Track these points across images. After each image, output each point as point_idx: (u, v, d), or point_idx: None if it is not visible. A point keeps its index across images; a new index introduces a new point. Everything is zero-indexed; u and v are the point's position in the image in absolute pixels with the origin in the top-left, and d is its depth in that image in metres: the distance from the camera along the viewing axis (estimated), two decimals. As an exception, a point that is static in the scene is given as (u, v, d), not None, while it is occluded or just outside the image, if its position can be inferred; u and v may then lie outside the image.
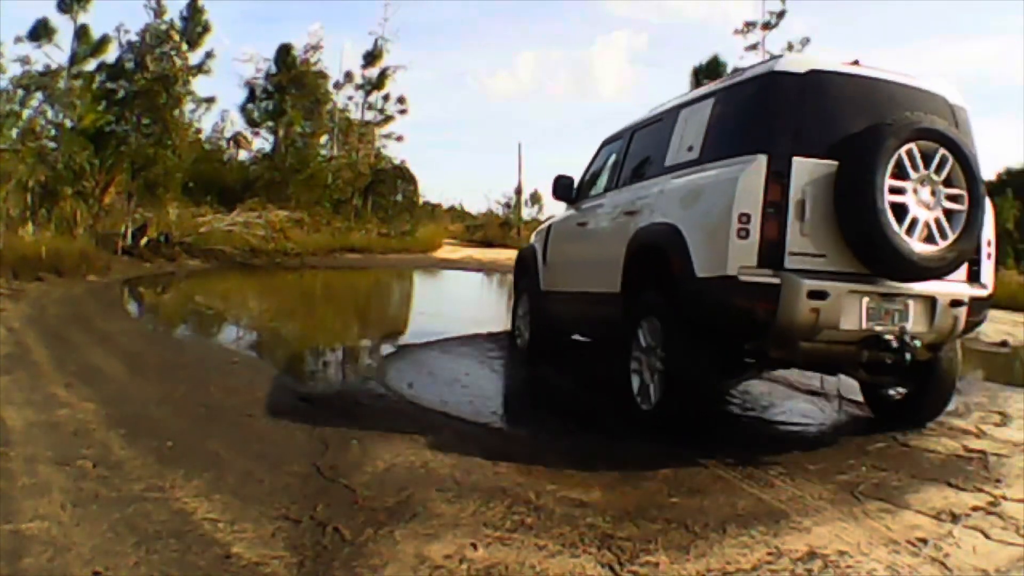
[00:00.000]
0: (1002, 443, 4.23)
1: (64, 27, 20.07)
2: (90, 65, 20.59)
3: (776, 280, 3.38)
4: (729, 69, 19.16)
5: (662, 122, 4.59)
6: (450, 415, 4.16)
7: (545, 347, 5.82)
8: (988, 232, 3.82)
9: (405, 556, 2.37)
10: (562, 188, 5.69)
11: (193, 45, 22.11)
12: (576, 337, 5.83)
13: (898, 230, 3.38)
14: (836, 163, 3.44)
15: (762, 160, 3.41)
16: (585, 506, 2.91)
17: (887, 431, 4.26)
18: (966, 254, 3.60)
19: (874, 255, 3.42)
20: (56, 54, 19.89)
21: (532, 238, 6.58)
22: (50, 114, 18.11)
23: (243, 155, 23.82)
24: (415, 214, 24.05)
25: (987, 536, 2.84)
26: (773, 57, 3.96)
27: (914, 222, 3.44)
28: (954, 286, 3.67)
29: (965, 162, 3.49)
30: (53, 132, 17.42)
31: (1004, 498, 3.27)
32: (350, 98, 25.27)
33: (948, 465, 3.75)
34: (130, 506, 2.61)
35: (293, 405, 4.18)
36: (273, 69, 22.96)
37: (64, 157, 14.24)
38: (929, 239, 3.47)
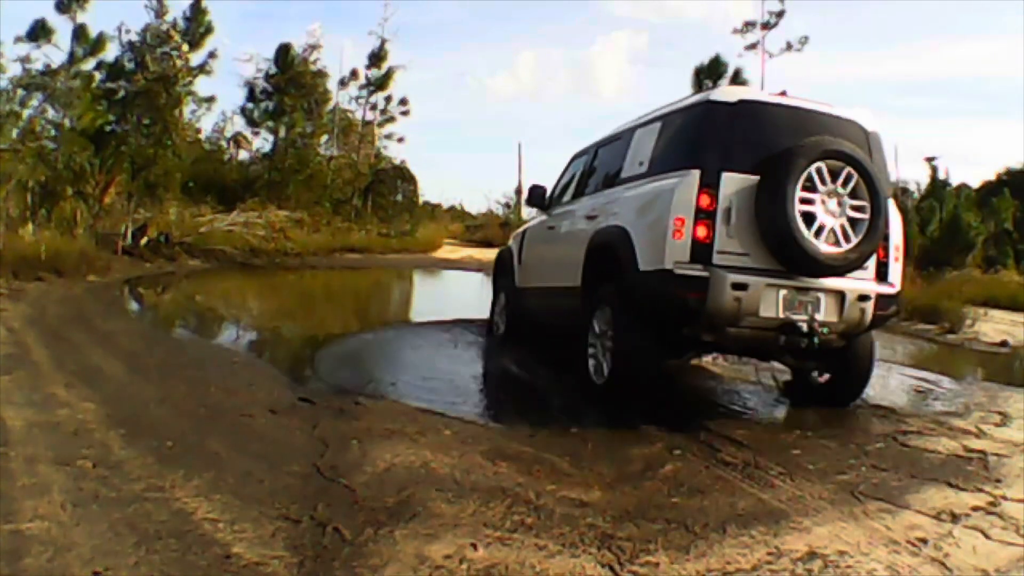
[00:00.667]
0: (1002, 443, 4.24)
1: (63, 27, 20.10)
2: (89, 65, 20.59)
3: (705, 273, 3.99)
4: (730, 69, 19.19)
5: (621, 140, 5.27)
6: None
7: (518, 336, 6.60)
8: (896, 238, 4.42)
9: (405, 556, 2.37)
10: (536, 197, 6.41)
11: (195, 46, 22.10)
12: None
13: (807, 234, 3.99)
14: (758, 177, 4.05)
15: (696, 174, 4.06)
16: (585, 506, 2.91)
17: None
18: (867, 255, 4.17)
19: (787, 255, 4.03)
20: (55, 54, 19.91)
21: (510, 241, 7.16)
22: (50, 114, 18.11)
23: (243, 155, 23.83)
24: (415, 214, 24.03)
25: (987, 536, 2.84)
26: (710, 88, 4.54)
27: (821, 227, 4.06)
28: (862, 283, 4.24)
29: (868, 178, 4.09)
30: (53, 132, 17.42)
31: (1004, 498, 3.27)
32: (357, 99, 25.25)
33: (948, 465, 3.75)
34: (130, 506, 2.61)
35: (293, 405, 4.18)
36: (273, 69, 22.95)
37: (64, 157, 14.22)
38: (834, 242, 4.08)
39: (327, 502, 2.77)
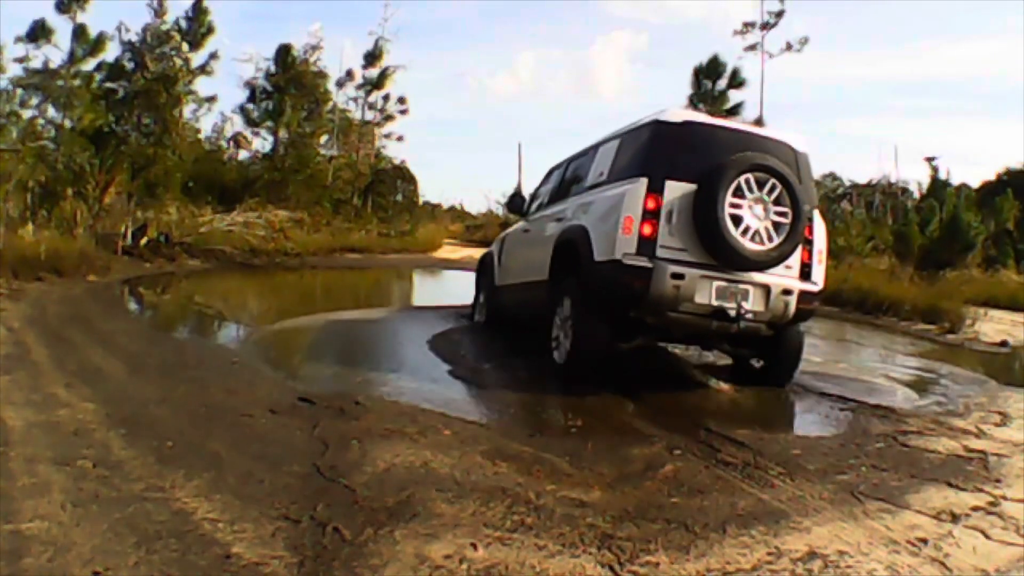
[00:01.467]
0: (1002, 443, 4.24)
1: (63, 28, 20.08)
2: (89, 65, 20.57)
3: (649, 264, 4.64)
4: (729, 69, 19.17)
5: (587, 155, 6.03)
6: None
7: (494, 324, 7.45)
8: (820, 244, 5.03)
9: (405, 556, 2.37)
10: (515, 204, 7.34)
11: (196, 46, 22.09)
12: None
13: (735, 233, 4.63)
14: (695, 186, 4.70)
15: (644, 181, 4.74)
16: (585, 506, 2.91)
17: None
18: (788, 254, 4.79)
19: (717, 250, 4.66)
20: (55, 54, 19.89)
21: (492, 245, 8.01)
22: (51, 114, 18.11)
23: (243, 155, 23.82)
24: (415, 214, 24.03)
25: (987, 536, 2.84)
26: (660, 111, 5.17)
27: (747, 229, 4.68)
28: (787, 280, 4.86)
29: (790, 188, 4.71)
30: (53, 132, 17.41)
31: (1004, 498, 3.27)
32: (354, 99, 25.25)
33: (948, 465, 3.75)
34: (130, 506, 2.61)
35: (293, 405, 4.18)
36: (273, 69, 22.94)
37: (64, 157, 14.22)
38: (759, 241, 4.69)
39: (327, 502, 2.77)
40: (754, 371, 5.42)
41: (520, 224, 7.08)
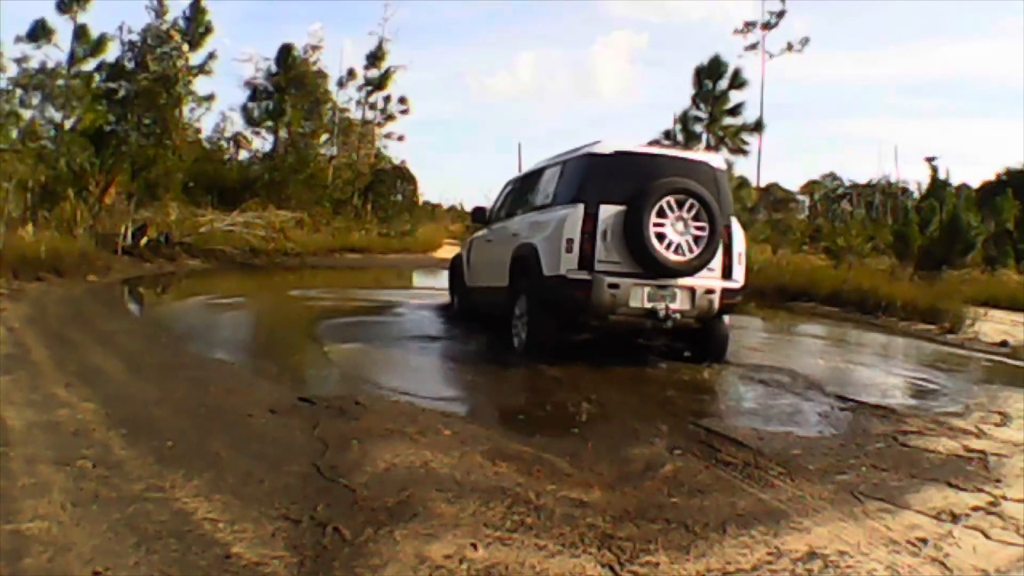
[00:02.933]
0: (1002, 443, 4.24)
1: (63, 28, 20.08)
2: (89, 65, 20.57)
3: (589, 277, 5.42)
4: (730, 69, 19.15)
5: (536, 175, 6.84)
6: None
7: (465, 315, 8.27)
8: (740, 248, 5.77)
9: (405, 556, 2.37)
10: (479, 215, 8.22)
11: (195, 46, 22.10)
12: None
13: (659, 248, 5.38)
14: (625, 207, 5.40)
15: (581, 207, 5.51)
16: (585, 506, 2.91)
17: (887, 426, 4.25)
18: (707, 262, 5.51)
19: (645, 263, 5.41)
20: (55, 54, 19.89)
21: (461, 248, 8.89)
22: (50, 113, 18.10)
23: (243, 155, 23.81)
24: (415, 214, 24.04)
25: (987, 536, 2.84)
26: (594, 142, 5.82)
27: (670, 243, 5.42)
28: (710, 281, 5.58)
29: (707, 206, 5.43)
30: (53, 132, 17.41)
31: (1004, 498, 3.27)
32: (357, 101, 25.25)
33: (948, 465, 3.75)
34: (130, 506, 2.61)
35: (293, 405, 4.18)
36: (273, 69, 22.94)
37: (64, 157, 14.22)
38: (680, 253, 5.44)
39: (327, 502, 2.77)
40: (687, 358, 6.13)
41: (483, 232, 7.92)
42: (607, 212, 5.41)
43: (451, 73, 54.35)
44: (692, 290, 5.49)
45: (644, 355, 6.35)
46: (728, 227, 5.63)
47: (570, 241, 5.43)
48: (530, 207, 6.59)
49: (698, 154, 6.18)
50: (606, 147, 5.68)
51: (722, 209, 5.56)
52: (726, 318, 5.95)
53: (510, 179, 7.89)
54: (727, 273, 5.66)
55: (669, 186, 5.37)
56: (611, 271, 5.41)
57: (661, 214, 5.36)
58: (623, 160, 5.62)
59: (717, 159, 6.16)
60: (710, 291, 5.52)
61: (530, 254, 5.84)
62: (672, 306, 5.42)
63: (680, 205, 5.39)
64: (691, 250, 5.43)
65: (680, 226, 5.40)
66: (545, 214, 6.04)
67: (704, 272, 5.52)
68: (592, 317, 5.55)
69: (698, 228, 5.42)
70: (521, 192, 7.18)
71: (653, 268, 5.37)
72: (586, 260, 5.42)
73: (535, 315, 5.76)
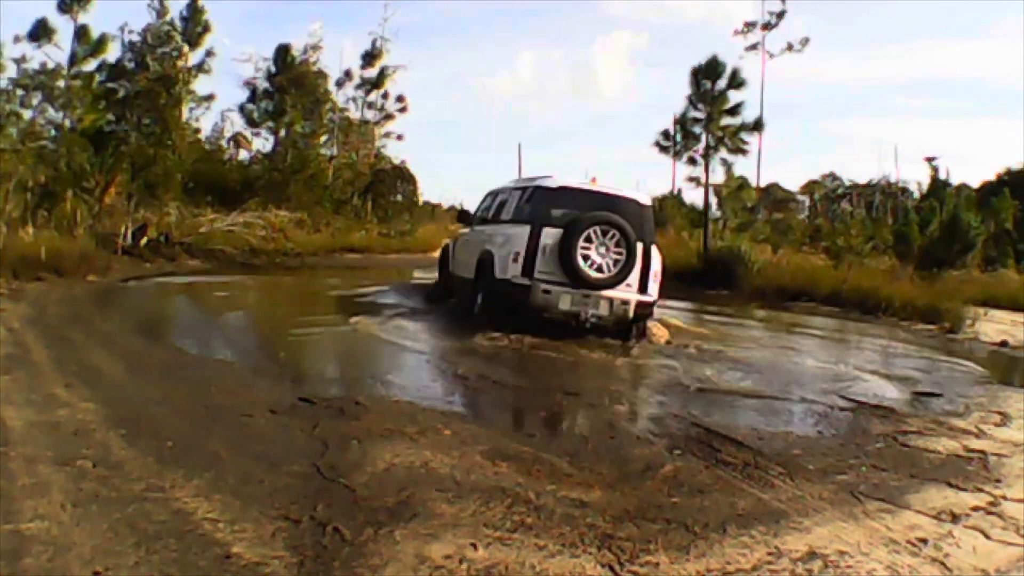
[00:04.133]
0: (1002, 443, 4.24)
1: (64, 27, 20.07)
2: (90, 65, 20.56)
3: (528, 283, 6.78)
4: (729, 69, 19.12)
5: (504, 193, 8.23)
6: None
7: (446, 295, 9.49)
8: (656, 268, 7.05)
9: (405, 556, 2.37)
10: (463, 217, 9.76)
11: (193, 45, 22.09)
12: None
13: (584, 267, 6.70)
14: (562, 231, 6.75)
15: (528, 228, 6.89)
16: (585, 506, 2.91)
17: (885, 428, 4.26)
18: (622, 280, 6.78)
19: (572, 277, 6.72)
20: (56, 54, 19.87)
21: (449, 242, 10.21)
22: (50, 113, 18.09)
23: (243, 155, 23.80)
24: (415, 214, 24.01)
25: (987, 536, 2.85)
26: (546, 177, 7.32)
27: (593, 263, 6.73)
28: (626, 294, 6.87)
29: (626, 236, 6.72)
30: (53, 132, 17.40)
31: (1004, 498, 3.27)
32: (353, 99, 25.25)
33: (948, 465, 3.75)
34: (130, 506, 2.61)
35: (293, 405, 4.18)
36: (273, 69, 22.93)
37: (64, 157, 14.20)
38: (601, 272, 6.74)
39: (327, 502, 2.77)
40: (612, 344, 7.19)
41: (466, 231, 9.20)
42: (548, 233, 6.79)
43: (451, 73, 54.30)
44: (611, 300, 6.82)
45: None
46: (647, 252, 6.95)
47: (517, 253, 6.82)
48: (496, 219, 7.93)
49: (627, 192, 7.42)
50: (553, 182, 7.17)
51: (644, 238, 6.90)
52: (645, 322, 7.29)
53: (489, 191, 9.17)
54: (643, 288, 6.97)
55: (597, 218, 6.72)
56: (547, 280, 6.76)
57: (588, 240, 6.70)
58: (565, 193, 7.08)
59: (644, 197, 7.47)
60: (625, 302, 6.84)
61: (488, 259, 7.22)
62: (592, 311, 6.80)
63: (604, 233, 6.72)
64: (610, 270, 6.73)
65: (603, 250, 6.73)
66: (503, 228, 7.45)
67: (622, 287, 6.80)
68: (529, 312, 6.90)
69: (617, 253, 6.73)
70: (492, 205, 8.50)
71: (578, 281, 6.71)
72: (528, 269, 6.77)
73: (487, 306, 7.26)
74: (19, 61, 19.16)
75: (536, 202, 7.05)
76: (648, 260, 6.93)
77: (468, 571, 2.31)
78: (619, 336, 7.10)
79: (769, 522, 2.84)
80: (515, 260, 6.79)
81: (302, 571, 2.24)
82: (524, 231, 6.85)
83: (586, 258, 6.65)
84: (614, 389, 5.34)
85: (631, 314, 6.86)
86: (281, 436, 3.62)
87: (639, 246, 6.75)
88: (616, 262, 6.70)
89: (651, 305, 7.04)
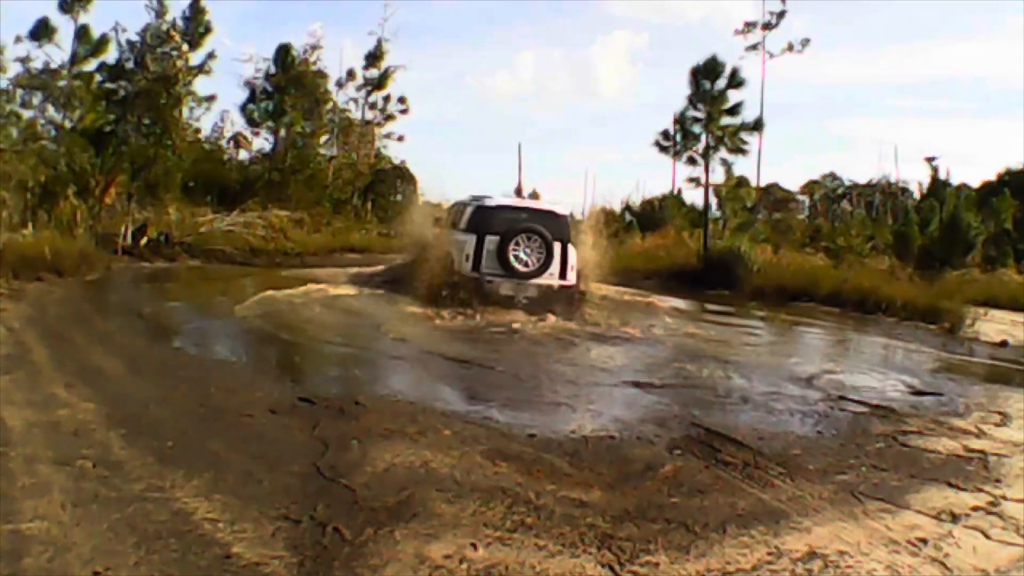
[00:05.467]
0: (1002, 443, 4.24)
1: (65, 27, 20.06)
2: (90, 65, 20.53)
3: (477, 276, 8.80)
4: (728, 69, 19.11)
5: (462, 207, 10.00)
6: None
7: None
8: (572, 261, 9.13)
9: (405, 556, 2.37)
10: (436, 221, 11.63)
11: (194, 45, 22.06)
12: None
13: (515, 263, 8.78)
14: (499, 237, 8.82)
15: (475, 236, 8.95)
16: (585, 506, 2.91)
17: (885, 429, 4.26)
18: (544, 271, 8.87)
19: (506, 271, 8.78)
20: (56, 54, 19.86)
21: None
22: (51, 113, 18.07)
23: (243, 155, 23.76)
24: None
25: (987, 536, 2.85)
26: (487, 197, 9.68)
27: (520, 260, 8.83)
28: (550, 280, 8.95)
29: (545, 240, 8.84)
30: (53, 132, 17.39)
31: (1004, 498, 3.27)
32: (354, 100, 25.23)
33: (948, 465, 3.75)
34: (130, 506, 2.61)
35: (293, 405, 4.18)
36: (273, 69, 22.90)
37: (64, 157, 14.18)
38: (527, 266, 8.83)
39: (327, 502, 2.77)
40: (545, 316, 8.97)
41: (440, 232, 11.10)
42: (489, 239, 8.93)
43: (451, 73, 54.21)
44: (538, 285, 8.98)
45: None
46: (564, 249, 9.08)
47: (467, 255, 8.98)
48: (456, 227, 9.87)
49: (548, 206, 9.91)
50: (493, 202, 9.55)
51: (562, 239, 9.04)
52: (576, 296, 9.33)
53: (454, 202, 11.17)
54: (562, 276, 9.15)
55: (522, 226, 8.96)
56: (490, 273, 8.88)
57: (517, 243, 8.92)
58: (501, 209, 9.38)
59: (562, 209, 9.88)
60: (549, 286, 9.04)
61: (447, 257, 9.40)
62: (524, 294, 8.91)
63: (529, 238, 8.95)
64: (535, 265, 8.94)
65: (528, 250, 8.95)
66: (458, 235, 9.48)
67: (546, 275, 8.98)
68: (482, 298, 8.79)
69: (539, 252, 8.95)
70: (455, 215, 10.44)
71: (511, 274, 8.90)
72: (476, 266, 8.92)
73: (452, 286, 9.10)
74: (24, 61, 19.17)
75: (480, 217, 9.27)
76: (565, 255, 9.10)
77: (468, 571, 2.31)
78: (550, 310, 9.19)
79: (769, 522, 2.84)
80: (467, 260, 9.02)
81: (302, 571, 2.24)
82: (472, 239, 9.07)
83: (516, 257, 8.92)
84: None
85: (555, 290, 9.20)
86: (281, 436, 3.62)
87: (557, 246, 8.95)
88: (539, 259, 8.96)
89: (571, 287, 9.25)
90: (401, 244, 13.18)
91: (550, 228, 9.04)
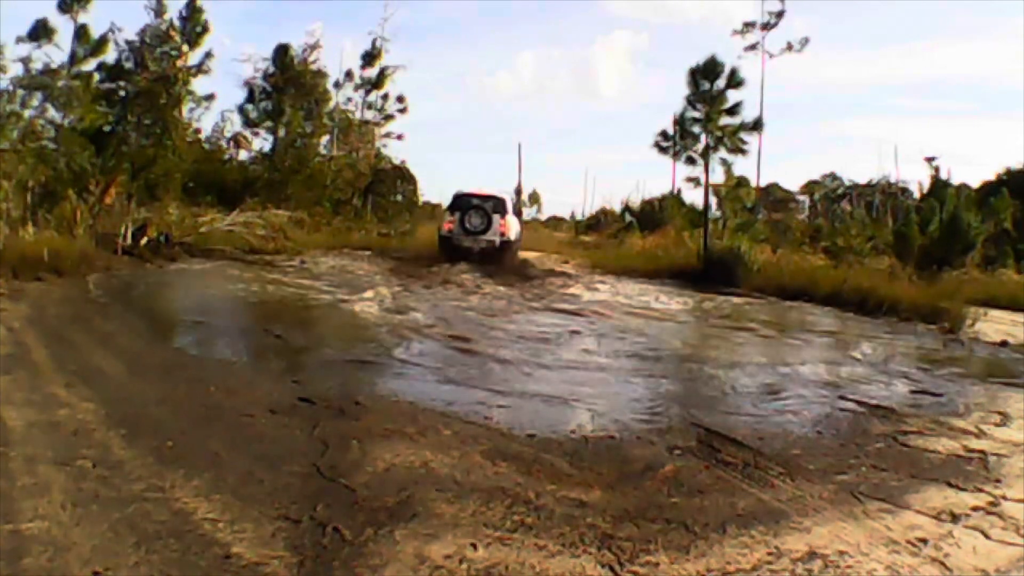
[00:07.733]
0: (1002, 443, 4.24)
1: (64, 27, 20.07)
2: (90, 65, 20.55)
3: (451, 236, 14.70)
4: (727, 69, 19.13)
5: (454, 197, 15.40)
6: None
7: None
8: (511, 226, 14.88)
9: (405, 556, 2.37)
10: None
11: (192, 45, 22.07)
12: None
13: (469, 227, 14.45)
14: (461, 213, 14.67)
15: (456, 215, 14.75)
16: (585, 506, 2.91)
17: (885, 430, 4.26)
18: (487, 230, 14.39)
19: (465, 232, 14.49)
20: (56, 54, 19.87)
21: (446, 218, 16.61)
22: (51, 113, 18.07)
23: (243, 155, 23.77)
24: (415, 214, 24.00)
25: (987, 536, 2.85)
26: (460, 190, 15.43)
27: (473, 224, 14.47)
28: (494, 237, 14.46)
29: (486, 213, 14.47)
30: (53, 132, 17.39)
31: (1004, 498, 3.27)
32: (350, 99, 25.26)
33: (948, 465, 3.75)
34: (130, 506, 2.61)
35: (293, 405, 4.18)
36: (272, 69, 22.91)
37: (64, 157, 14.20)
38: (476, 228, 14.44)
39: (327, 502, 2.77)
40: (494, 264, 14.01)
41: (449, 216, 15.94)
42: (459, 215, 14.22)
43: (451, 73, 54.38)
44: (486, 240, 14.03)
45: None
46: (504, 218, 14.40)
47: (450, 223, 14.45)
48: (451, 209, 15.06)
49: (494, 191, 15.35)
50: (461, 192, 14.93)
51: (501, 213, 14.44)
52: (519, 252, 15.60)
53: (457, 192, 15.55)
54: (503, 235, 14.24)
55: (472, 205, 14.28)
56: (458, 235, 14.18)
57: (468, 216, 14.16)
58: (465, 197, 14.72)
59: (503, 194, 15.57)
60: (491, 241, 14.12)
61: (441, 228, 15.07)
62: (478, 246, 13.95)
63: (477, 212, 14.17)
64: (480, 227, 14.12)
65: (476, 219, 14.16)
66: (447, 216, 14.85)
67: (490, 233, 14.11)
68: (454, 250, 13.99)
69: (482, 219, 14.12)
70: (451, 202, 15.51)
71: (468, 234, 14.04)
72: (454, 231, 14.21)
73: (441, 246, 14.63)
74: (25, 61, 19.17)
75: (455, 202, 14.85)
76: (505, 222, 14.40)
77: (468, 571, 2.31)
78: (495, 260, 14.00)
79: (769, 522, 2.84)
80: (447, 227, 14.55)
81: (302, 571, 2.24)
82: (453, 216, 14.47)
83: (470, 222, 14.17)
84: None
85: (498, 246, 14.30)
86: (281, 436, 3.62)
87: (496, 216, 14.22)
88: (483, 222, 14.15)
89: (508, 242, 14.46)
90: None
91: (490, 205, 14.53)
